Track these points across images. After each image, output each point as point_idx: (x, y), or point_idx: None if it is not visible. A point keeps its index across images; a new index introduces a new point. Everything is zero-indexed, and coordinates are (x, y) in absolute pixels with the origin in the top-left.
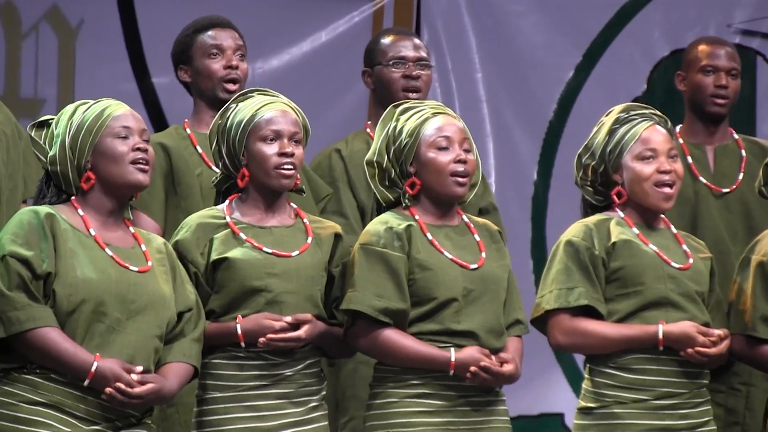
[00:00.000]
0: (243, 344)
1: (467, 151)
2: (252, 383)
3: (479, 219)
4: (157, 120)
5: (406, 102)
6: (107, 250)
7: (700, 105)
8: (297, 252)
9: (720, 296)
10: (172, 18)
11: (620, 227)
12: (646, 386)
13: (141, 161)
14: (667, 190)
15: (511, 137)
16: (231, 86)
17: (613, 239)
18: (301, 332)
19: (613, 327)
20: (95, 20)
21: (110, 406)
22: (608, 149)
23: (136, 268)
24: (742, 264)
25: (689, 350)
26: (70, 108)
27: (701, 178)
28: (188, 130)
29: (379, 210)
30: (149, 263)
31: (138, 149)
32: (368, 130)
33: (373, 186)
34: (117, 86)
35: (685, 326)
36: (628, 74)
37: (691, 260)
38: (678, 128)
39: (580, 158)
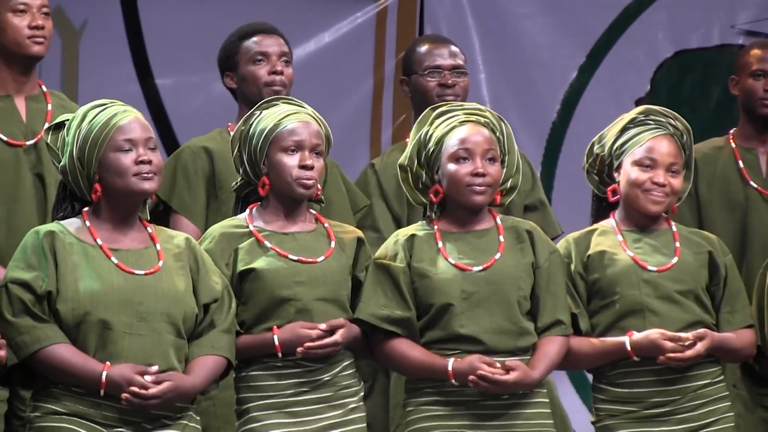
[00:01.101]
0: (280, 354)
1: (492, 160)
2: (290, 391)
3: (513, 219)
4: (161, 121)
5: (444, 105)
6: (113, 258)
7: (751, 109)
8: (322, 257)
9: (737, 289)
10: (176, 19)
11: (602, 237)
12: (634, 398)
13: (145, 173)
14: (657, 197)
15: (514, 138)
16: (275, 94)
17: (589, 252)
18: (338, 337)
19: (590, 343)
20: (99, 21)
21: (131, 410)
22: (615, 145)
23: (142, 271)
24: (761, 279)
25: (661, 358)
26: (80, 113)
27: (752, 183)
28: (232, 134)
29: (424, 215)
30: (159, 263)
31: (141, 162)
32: (407, 140)
33: (405, 189)
34: (120, 87)
35: (650, 335)
36: (632, 75)
37: (674, 259)
38: (731, 132)
39: (593, 146)
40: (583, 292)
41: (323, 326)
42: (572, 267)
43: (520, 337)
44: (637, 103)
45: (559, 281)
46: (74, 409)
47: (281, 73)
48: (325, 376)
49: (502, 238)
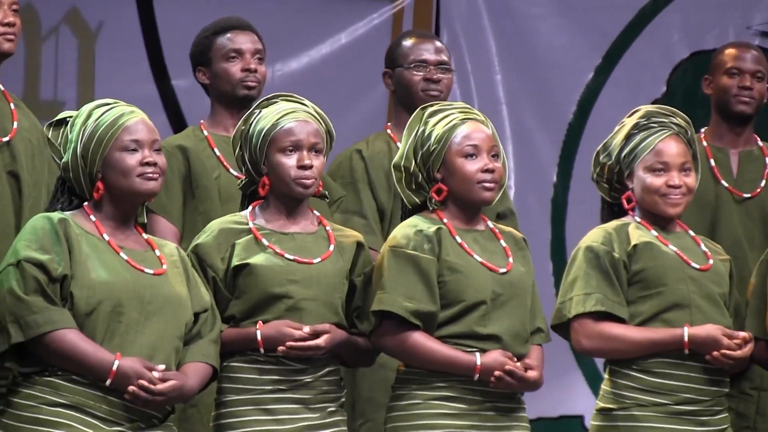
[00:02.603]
0: (262, 350)
1: (495, 156)
2: (270, 387)
3: (504, 226)
4: (177, 122)
5: (434, 104)
6: (122, 253)
7: (724, 106)
8: (319, 259)
9: (738, 300)
10: (192, 20)
11: (639, 230)
12: (668, 390)
13: (149, 174)
14: (675, 198)
15: (530, 139)
16: (249, 91)
17: (634, 242)
18: (321, 341)
19: (638, 330)
20: (115, 23)
21: (132, 407)
22: (623, 154)
23: (151, 271)
24: (761, 267)
25: (714, 353)
26: (84, 111)
27: (723, 182)
28: (205, 132)
29: (404, 212)
30: (164, 266)
31: (146, 163)
32: (389, 131)
33: (399, 189)
34: (136, 89)
35: (710, 329)
36: (648, 76)
37: (711, 261)
38: (702, 131)
39: (598, 156)
40: (624, 281)
41: (307, 329)
42: (615, 255)
43: (525, 343)
44: (653, 104)
45: (536, 291)
46: (73, 399)
47: (255, 71)
48: (307, 377)
49: (504, 243)
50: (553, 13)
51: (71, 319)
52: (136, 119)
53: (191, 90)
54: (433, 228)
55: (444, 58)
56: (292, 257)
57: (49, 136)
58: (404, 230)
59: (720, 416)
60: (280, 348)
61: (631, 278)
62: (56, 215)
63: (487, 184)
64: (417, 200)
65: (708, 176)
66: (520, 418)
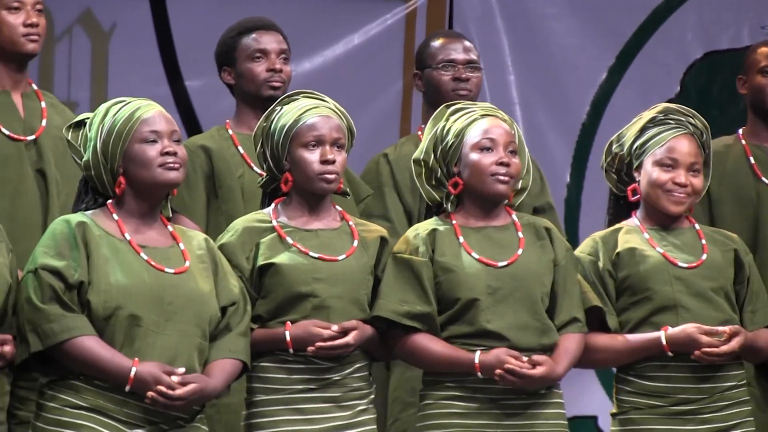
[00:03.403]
0: (291, 351)
1: (513, 153)
2: (300, 387)
3: (529, 217)
4: (190, 123)
5: (459, 103)
6: (142, 254)
7: (760, 106)
8: (343, 256)
9: (758, 288)
10: (205, 21)
11: (628, 235)
12: (661, 393)
13: (171, 164)
14: (677, 195)
15: (544, 139)
16: (274, 92)
17: (618, 249)
18: (350, 338)
19: (621, 339)
20: (128, 23)
21: (153, 409)
22: (635, 146)
23: (172, 270)
24: None
25: (696, 352)
26: (102, 109)
27: (763, 179)
28: (230, 131)
29: (428, 212)
30: (187, 263)
31: (167, 153)
32: (420, 134)
33: (419, 184)
34: (150, 89)
35: (687, 328)
36: (662, 76)
37: (704, 256)
38: (740, 131)
39: (611, 145)
40: (612, 290)
41: (335, 327)
42: (600, 265)
43: (543, 334)
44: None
45: (574, 279)
46: (94, 403)
47: (280, 71)
48: (336, 375)
49: (521, 234)
50: (567, 13)
51: (89, 326)
52: (153, 111)
53: (204, 90)
54: (429, 229)
55: (473, 57)
56: (316, 255)
57: (69, 138)
58: (406, 235)
59: (728, 411)
60: (310, 348)
61: (619, 286)
62: (75, 218)
63: (501, 177)
64: (436, 196)
65: (748, 174)
66: (544, 416)
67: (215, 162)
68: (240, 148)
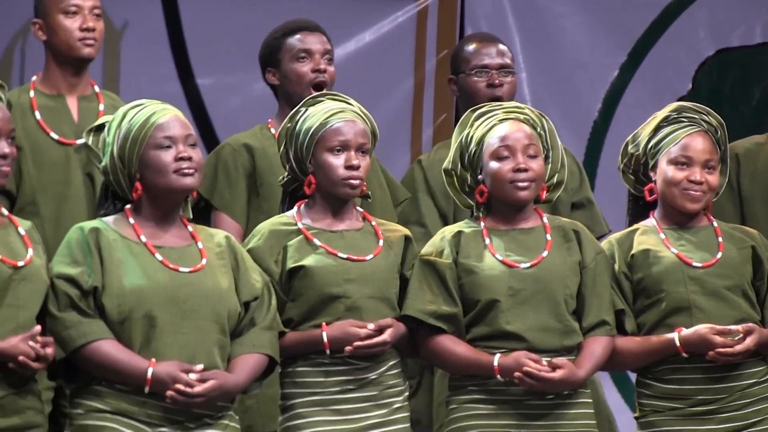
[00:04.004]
0: (328, 352)
1: (532, 156)
2: (337, 388)
3: (560, 219)
4: (202, 121)
5: (484, 106)
6: (157, 255)
7: None
8: (371, 256)
9: None
10: (217, 19)
11: (644, 236)
12: (680, 395)
13: (186, 169)
14: (694, 193)
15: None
16: (319, 90)
17: (633, 251)
18: (386, 336)
19: (636, 342)
20: (140, 21)
21: (176, 408)
22: (650, 145)
23: (187, 269)
24: None
25: (710, 353)
26: (119, 113)
27: None
28: (273, 130)
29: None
30: (203, 261)
31: (181, 158)
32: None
33: (452, 193)
34: (161, 87)
35: (700, 330)
36: (673, 74)
37: (718, 254)
38: None
39: (627, 146)
40: (628, 292)
41: (372, 326)
42: (616, 267)
43: (566, 336)
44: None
45: (605, 282)
46: (117, 406)
47: (324, 71)
48: (372, 374)
49: (549, 237)
50: (578, 11)
51: (106, 330)
52: (168, 116)
53: (216, 88)
54: (455, 231)
55: (506, 61)
56: (345, 256)
57: (89, 142)
58: (434, 238)
59: (751, 409)
60: (348, 348)
61: (635, 288)
62: (89, 225)
63: (520, 184)
64: (470, 202)
65: None
66: (568, 416)
67: (257, 160)
68: None
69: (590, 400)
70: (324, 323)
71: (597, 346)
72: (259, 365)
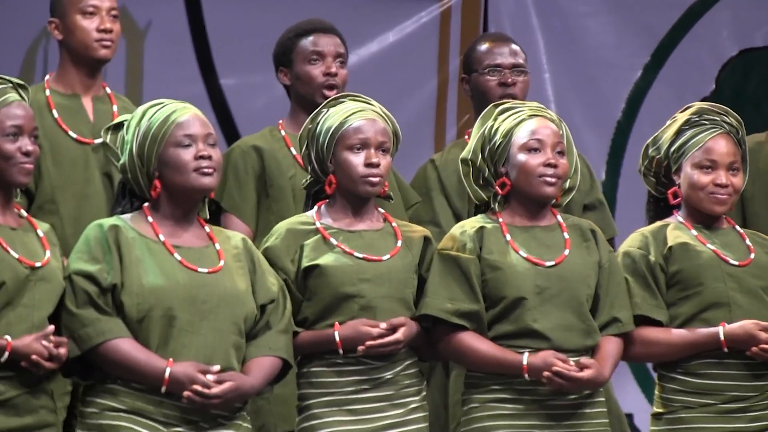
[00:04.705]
0: (341, 351)
1: (561, 153)
2: (352, 388)
3: (575, 218)
4: (225, 121)
5: (507, 102)
6: (176, 254)
7: None
8: (388, 256)
9: None
10: (240, 19)
11: (677, 231)
12: (713, 390)
13: (205, 168)
14: (720, 195)
15: (579, 137)
16: (329, 92)
17: (670, 243)
18: (399, 335)
19: (676, 333)
20: (163, 22)
21: (192, 409)
22: (672, 149)
23: (206, 270)
24: None
25: (753, 349)
26: (139, 111)
27: None
28: (283, 132)
29: (476, 213)
30: (221, 262)
31: (201, 157)
32: (467, 137)
33: (466, 184)
34: (185, 88)
35: (745, 325)
36: (696, 74)
37: (752, 255)
38: None
39: (647, 149)
40: (663, 284)
41: (384, 325)
42: (651, 258)
43: (587, 335)
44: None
45: (619, 280)
46: (132, 405)
47: (336, 74)
48: (387, 374)
49: (566, 235)
50: (602, 11)
51: (124, 328)
52: (188, 115)
53: (239, 88)
54: (477, 227)
55: (519, 60)
56: (361, 255)
57: (107, 140)
58: (452, 232)
59: None
60: (360, 348)
61: (670, 280)
62: (108, 222)
63: (549, 179)
64: (484, 196)
65: None
66: (589, 415)
67: (267, 162)
68: (292, 149)
69: (604, 400)
70: (337, 323)
71: (612, 346)
72: (273, 368)
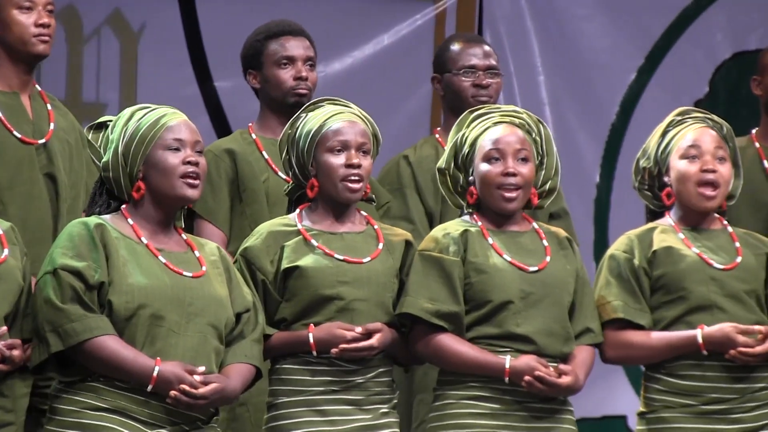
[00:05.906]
0: (315, 353)
1: (524, 160)
2: (322, 388)
3: (550, 227)
4: (220, 124)
5: (482, 107)
6: (160, 257)
7: None
8: (368, 258)
9: None
10: (235, 21)
11: (664, 234)
12: (694, 392)
13: (191, 175)
14: (709, 191)
15: (573, 140)
16: (300, 99)
17: (654, 247)
18: (374, 341)
19: (656, 336)
20: (157, 24)
21: (175, 410)
22: (659, 150)
23: (190, 273)
24: None
25: (732, 351)
26: (127, 112)
27: None
28: (254, 135)
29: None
30: (203, 267)
31: (189, 162)
32: (437, 136)
33: (444, 192)
34: (179, 90)
35: (724, 327)
36: (691, 77)
37: (738, 259)
38: (753, 132)
39: (638, 162)
40: (647, 288)
41: (359, 329)
42: (636, 262)
43: (566, 342)
44: (696, 105)
45: (588, 290)
46: (115, 404)
47: (306, 78)
48: (359, 378)
49: (546, 242)
50: (596, 14)
51: (110, 326)
52: (178, 120)
53: (234, 91)
54: (461, 230)
55: (493, 62)
56: (341, 257)
57: (90, 137)
58: (434, 233)
59: (758, 412)
60: (334, 350)
61: (654, 284)
62: (93, 221)
63: (507, 194)
64: (461, 202)
65: (762, 177)
66: (562, 420)
67: (240, 165)
68: (264, 152)
69: (573, 408)
70: (312, 324)
71: (586, 356)
72: (249, 376)
